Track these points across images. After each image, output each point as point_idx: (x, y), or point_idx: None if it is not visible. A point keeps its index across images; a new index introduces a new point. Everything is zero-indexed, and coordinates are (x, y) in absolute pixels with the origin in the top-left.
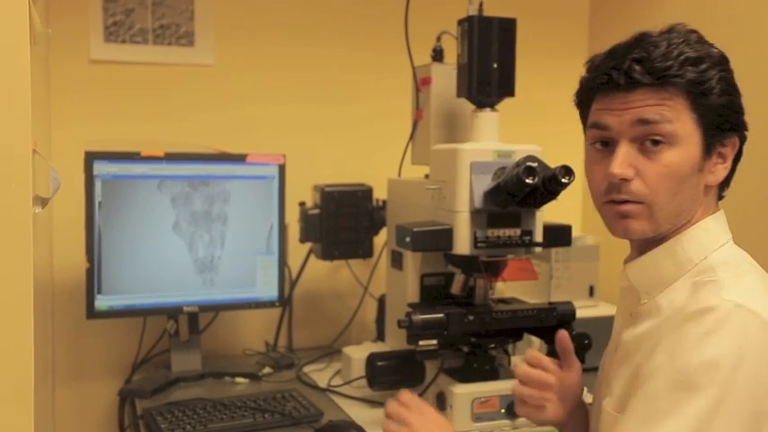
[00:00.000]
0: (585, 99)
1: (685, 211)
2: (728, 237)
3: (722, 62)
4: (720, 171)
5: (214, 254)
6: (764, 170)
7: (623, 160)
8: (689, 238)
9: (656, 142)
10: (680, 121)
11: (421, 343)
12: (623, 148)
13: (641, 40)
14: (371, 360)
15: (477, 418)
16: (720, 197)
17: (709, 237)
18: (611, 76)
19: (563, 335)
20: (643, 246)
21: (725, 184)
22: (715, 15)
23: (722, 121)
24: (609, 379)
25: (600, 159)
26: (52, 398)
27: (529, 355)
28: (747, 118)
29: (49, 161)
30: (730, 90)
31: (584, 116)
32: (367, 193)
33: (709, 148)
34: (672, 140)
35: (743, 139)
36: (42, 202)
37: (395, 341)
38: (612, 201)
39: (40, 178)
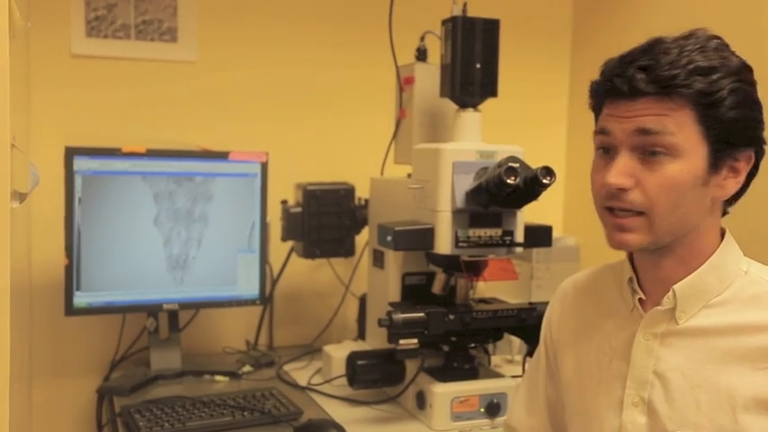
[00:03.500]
0: (596, 103)
1: (690, 222)
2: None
3: (740, 72)
4: (731, 185)
5: (189, 252)
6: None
7: (621, 170)
8: (728, 250)
9: (655, 153)
10: (683, 132)
11: (401, 342)
12: (623, 157)
13: (653, 46)
14: (352, 359)
15: (457, 417)
16: (724, 212)
17: (736, 248)
18: (615, 84)
19: None
20: (655, 255)
21: (734, 198)
22: (702, 18)
23: (733, 136)
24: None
25: (602, 166)
26: (29, 395)
27: None
28: None
29: (28, 156)
30: (746, 102)
31: (596, 120)
32: (349, 191)
33: (716, 162)
34: (673, 152)
35: (761, 154)
36: (20, 197)
37: (376, 340)
38: (611, 209)
39: (18, 173)
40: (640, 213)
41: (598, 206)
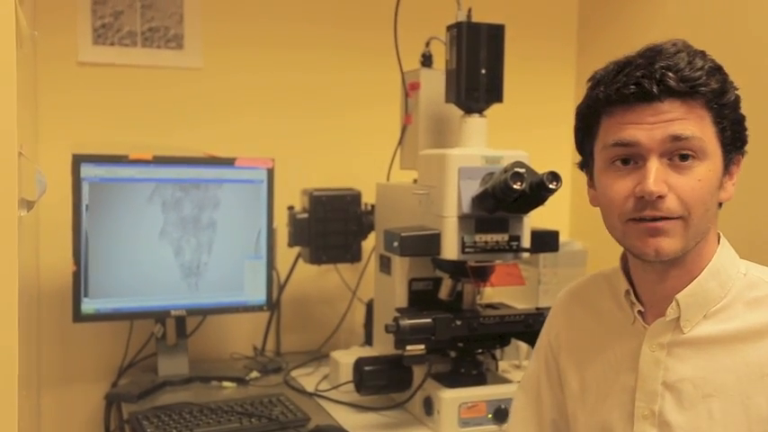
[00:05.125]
0: (593, 116)
1: (708, 228)
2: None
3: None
4: (730, 188)
5: (201, 258)
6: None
7: (657, 177)
8: (725, 254)
9: (685, 156)
10: (706, 135)
11: (408, 348)
12: (654, 163)
13: (659, 52)
14: (359, 365)
15: (464, 423)
16: None
17: (732, 251)
18: (642, 85)
19: None
20: (665, 265)
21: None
22: (706, 22)
23: (736, 137)
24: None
25: (622, 176)
26: (37, 401)
27: None
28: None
29: (35, 164)
30: (739, 104)
31: (588, 135)
32: (355, 197)
33: (727, 163)
34: (701, 154)
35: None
36: (28, 205)
37: (383, 346)
38: (641, 218)
39: (26, 181)
40: (675, 218)
41: (620, 220)
